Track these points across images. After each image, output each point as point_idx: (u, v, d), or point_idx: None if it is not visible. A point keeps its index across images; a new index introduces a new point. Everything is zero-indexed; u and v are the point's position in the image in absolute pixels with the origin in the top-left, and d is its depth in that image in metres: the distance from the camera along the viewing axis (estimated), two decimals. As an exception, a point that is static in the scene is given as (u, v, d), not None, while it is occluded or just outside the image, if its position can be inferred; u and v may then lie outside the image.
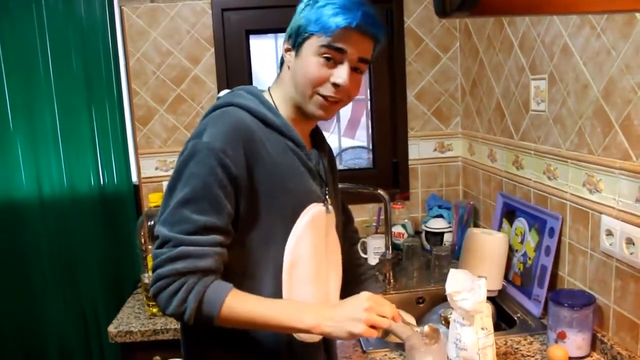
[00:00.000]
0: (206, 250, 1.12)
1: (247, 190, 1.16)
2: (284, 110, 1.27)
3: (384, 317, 1.13)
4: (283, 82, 1.28)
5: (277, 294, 1.21)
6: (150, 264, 1.96)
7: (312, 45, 1.20)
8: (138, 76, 2.52)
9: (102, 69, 2.43)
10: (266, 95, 1.29)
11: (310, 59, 1.20)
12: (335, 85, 1.21)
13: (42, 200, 2.45)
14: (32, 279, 2.48)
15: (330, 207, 1.33)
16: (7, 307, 2.49)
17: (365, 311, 1.11)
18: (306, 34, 1.20)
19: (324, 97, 1.22)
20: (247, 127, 1.18)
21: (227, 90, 1.32)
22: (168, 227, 1.12)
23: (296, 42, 1.22)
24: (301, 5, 1.24)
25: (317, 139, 1.40)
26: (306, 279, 1.25)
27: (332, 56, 1.20)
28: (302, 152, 1.26)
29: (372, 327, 1.11)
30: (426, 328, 1.24)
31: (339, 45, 1.19)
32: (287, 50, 1.26)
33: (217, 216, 1.13)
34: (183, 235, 1.11)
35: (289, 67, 1.26)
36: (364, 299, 1.13)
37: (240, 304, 1.13)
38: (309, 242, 1.24)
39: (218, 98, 1.30)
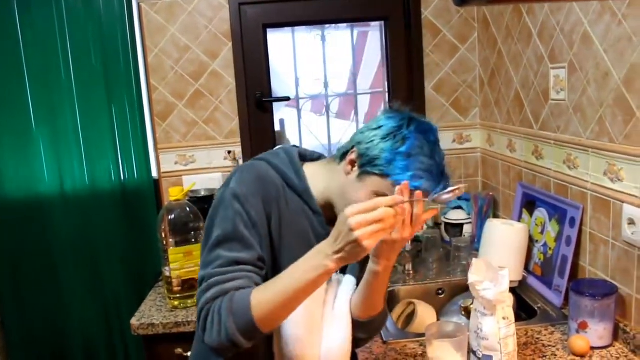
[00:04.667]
0: (234, 276, 1.14)
1: (264, 240, 1.20)
2: (317, 192, 1.27)
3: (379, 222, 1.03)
4: (332, 175, 1.27)
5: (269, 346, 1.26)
6: (171, 257, 1.98)
7: (377, 185, 1.19)
8: (157, 72, 2.54)
9: (121, 65, 2.46)
10: (303, 166, 1.30)
11: (368, 194, 1.18)
12: None
13: (64, 196, 2.48)
14: (56, 273, 2.52)
15: (337, 277, 1.33)
16: (33, 300, 2.53)
17: (353, 231, 1.00)
18: (379, 172, 1.18)
19: None
20: (270, 181, 1.23)
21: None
22: (204, 268, 1.18)
23: (364, 166, 1.20)
24: (386, 128, 1.20)
25: None
26: (291, 341, 1.25)
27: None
28: (317, 218, 1.27)
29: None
30: None
31: None
32: (352, 162, 1.23)
33: (246, 252, 1.17)
34: (213, 269, 1.15)
35: (345, 175, 1.24)
36: (344, 221, 1.02)
37: (264, 294, 1.10)
38: (300, 308, 1.16)
39: None
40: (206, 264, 1.18)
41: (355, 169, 1.22)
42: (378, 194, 1.16)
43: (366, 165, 1.20)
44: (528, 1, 1.71)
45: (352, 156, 1.23)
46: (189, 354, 1.88)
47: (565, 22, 1.75)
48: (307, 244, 1.19)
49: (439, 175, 1.19)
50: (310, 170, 1.29)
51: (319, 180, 1.28)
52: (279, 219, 1.23)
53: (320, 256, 1.07)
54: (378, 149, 1.19)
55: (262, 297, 1.10)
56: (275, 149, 1.34)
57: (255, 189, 1.20)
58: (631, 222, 1.48)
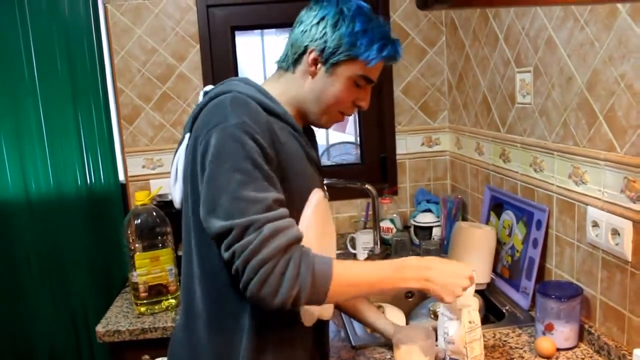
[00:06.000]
0: (289, 222, 1.08)
1: (276, 173, 1.14)
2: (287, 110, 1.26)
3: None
4: (294, 85, 1.26)
5: None
6: (137, 262, 1.95)
7: (349, 70, 1.22)
8: (123, 74, 2.50)
9: (87, 68, 2.41)
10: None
11: (344, 82, 1.23)
12: (359, 107, 1.29)
13: (28, 200, 2.43)
14: (21, 279, 2.46)
15: (326, 193, 1.34)
16: (-4, 308, 2.47)
17: (467, 279, 1.22)
18: (346, 58, 1.21)
19: (341, 114, 1.29)
20: (260, 111, 1.16)
21: (211, 86, 1.30)
22: (237, 215, 1.04)
23: (330, 59, 1.21)
24: (329, 18, 1.21)
25: (307, 130, 1.39)
26: None
27: (363, 84, 1.26)
28: (300, 137, 1.25)
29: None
30: None
31: (373, 77, 1.26)
32: (314, 61, 1.23)
33: (276, 190, 1.10)
34: (261, 214, 1.05)
35: (311, 77, 1.24)
36: (468, 269, 1.23)
37: (346, 270, 1.11)
38: (315, 230, 1.21)
39: (206, 92, 1.27)
40: (238, 210, 1.04)
41: (319, 66, 1.23)
42: (352, 79, 1.23)
43: (331, 57, 1.21)
44: (491, 5, 1.72)
45: (313, 55, 1.23)
46: (156, 360, 1.87)
47: (530, 27, 1.77)
48: (306, 166, 1.25)
49: (390, 35, 1.24)
50: (273, 92, 1.25)
51: (287, 98, 1.27)
52: (281, 148, 1.16)
53: (421, 271, 1.19)
54: (336, 38, 1.20)
55: (344, 272, 1.11)
56: (225, 84, 1.25)
57: (259, 120, 1.12)
58: (595, 225, 1.50)
